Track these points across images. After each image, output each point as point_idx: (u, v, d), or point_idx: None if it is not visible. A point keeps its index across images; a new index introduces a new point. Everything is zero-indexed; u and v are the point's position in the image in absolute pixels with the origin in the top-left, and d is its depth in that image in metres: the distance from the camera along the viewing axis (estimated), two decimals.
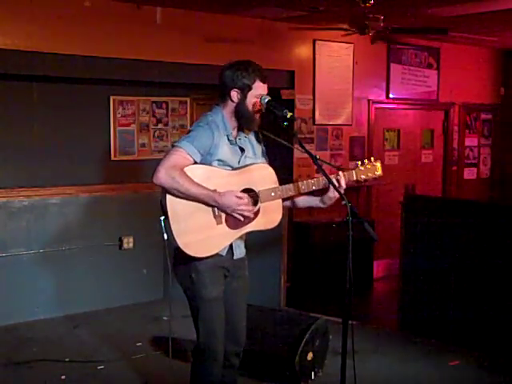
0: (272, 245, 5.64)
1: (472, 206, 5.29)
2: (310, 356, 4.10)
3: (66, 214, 5.79)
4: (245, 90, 2.96)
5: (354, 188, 7.23)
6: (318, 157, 2.99)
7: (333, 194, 3.02)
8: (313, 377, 4.16)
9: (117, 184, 6.10)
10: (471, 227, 5.02)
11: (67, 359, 4.59)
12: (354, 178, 3.08)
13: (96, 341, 5.02)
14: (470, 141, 8.80)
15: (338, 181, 3.00)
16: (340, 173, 3.03)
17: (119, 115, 6.19)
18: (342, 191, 2.97)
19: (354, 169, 3.10)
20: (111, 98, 6.12)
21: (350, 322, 2.78)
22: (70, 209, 5.82)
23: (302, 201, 3.18)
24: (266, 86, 3.02)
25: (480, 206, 5.45)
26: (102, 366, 4.48)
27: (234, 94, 2.97)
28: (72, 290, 5.74)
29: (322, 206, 3.14)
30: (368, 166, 3.11)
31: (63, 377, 4.29)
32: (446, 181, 8.52)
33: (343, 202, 2.83)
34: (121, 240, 6.05)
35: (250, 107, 2.97)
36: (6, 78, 5.34)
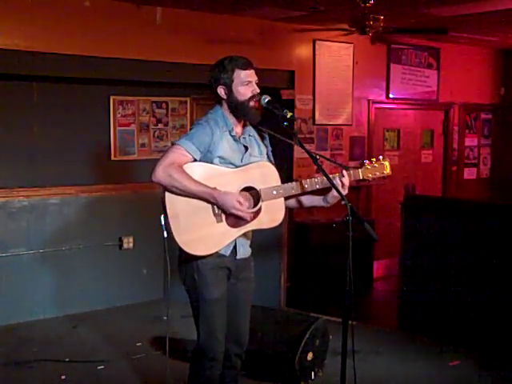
0: (272, 245, 5.63)
1: (472, 206, 5.29)
2: (310, 356, 4.10)
3: (66, 214, 5.79)
4: (227, 83, 2.97)
5: (354, 188, 7.23)
6: (318, 157, 2.98)
7: (337, 192, 2.98)
8: (313, 377, 4.16)
9: (117, 184, 6.11)
10: (471, 227, 5.02)
11: (67, 359, 4.59)
12: (361, 177, 3.05)
13: (96, 341, 5.02)
14: (470, 141, 8.80)
15: (342, 181, 2.97)
16: (344, 172, 3.00)
17: (119, 115, 6.20)
18: (345, 191, 2.95)
19: (360, 167, 3.08)
20: (111, 98, 6.12)
21: (349, 321, 2.78)
22: (70, 209, 5.82)
23: (307, 200, 3.13)
24: (249, 71, 3.00)
25: (480, 205, 5.45)
26: (102, 366, 4.48)
27: (221, 90, 3.00)
28: (72, 290, 5.74)
29: (324, 205, 3.10)
30: (376, 165, 3.08)
31: (63, 377, 4.29)
32: (446, 181, 8.52)
33: (343, 202, 2.82)
34: (121, 240, 6.05)
35: (240, 97, 2.97)
36: (6, 78, 5.34)
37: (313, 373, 4.16)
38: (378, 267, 7.58)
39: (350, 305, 2.77)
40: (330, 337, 4.32)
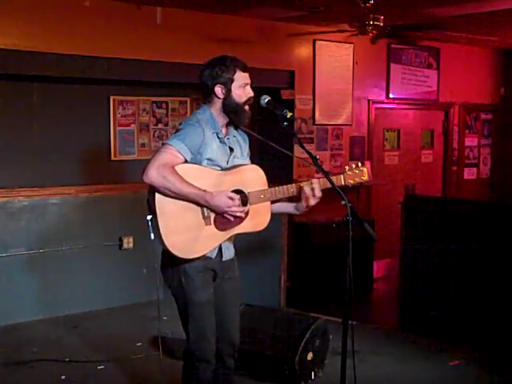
0: (272, 245, 5.63)
1: (472, 206, 5.29)
2: (310, 356, 4.10)
3: (66, 214, 5.78)
4: (227, 83, 2.94)
5: (354, 188, 7.23)
6: (318, 157, 2.97)
7: (306, 203, 2.97)
8: (313, 377, 4.16)
9: (117, 184, 6.10)
10: (471, 227, 5.02)
11: (67, 359, 4.59)
12: (343, 183, 3.05)
13: (96, 341, 5.01)
14: (470, 141, 8.81)
15: (313, 189, 2.95)
16: (314, 180, 2.98)
17: (119, 115, 6.20)
18: (316, 200, 2.96)
19: (342, 173, 3.08)
20: (111, 98, 6.12)
21: (349, 321, 2.78)
22: (70, 209, 5.82)
23: (277, 206, 3.12)
24: (247, 74, 2.99)
25: (480, 205, 5.45)
26: (102, 366, 4.48)
27: (219, 90, 2.95)
28: (72, 290, 5.73)
29: (296, 212, 3.11)
30: (356, 171, 3.08)
31: (63, 377, 4.29)
32: (446, 181, 8.52)
33: (343, 202, 2.82)
34: (121, 240, 6.05)
35: (237, 99, 2.95)
36: (6, 77, 5.34)
37: (313, 373, 4.16)
38: (378, 267, 7.59)
39: (349, 305, 2.77)
40: (330, 337, 4.32)
